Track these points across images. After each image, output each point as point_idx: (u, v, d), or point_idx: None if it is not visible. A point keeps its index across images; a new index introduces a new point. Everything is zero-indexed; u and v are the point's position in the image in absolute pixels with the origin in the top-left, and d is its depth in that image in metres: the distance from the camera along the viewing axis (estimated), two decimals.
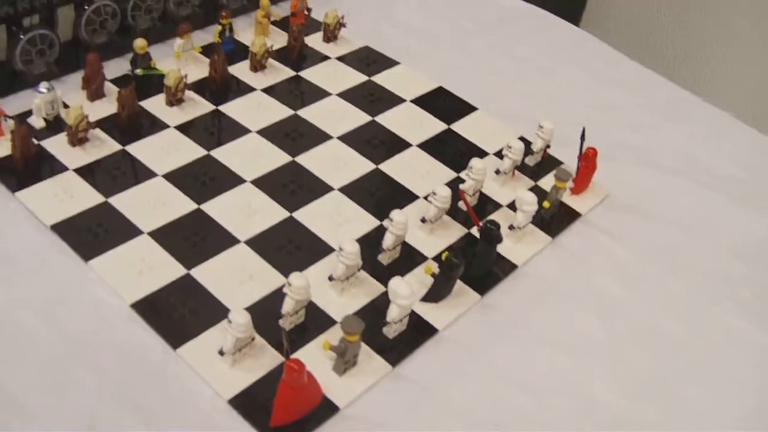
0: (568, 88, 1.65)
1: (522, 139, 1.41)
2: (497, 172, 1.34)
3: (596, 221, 1.34)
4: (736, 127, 1.64)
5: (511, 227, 1.25)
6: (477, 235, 1.20)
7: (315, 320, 1.08)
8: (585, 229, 1.32)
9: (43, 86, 1.29)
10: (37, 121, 1.30)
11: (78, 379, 0.97)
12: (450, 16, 1.83)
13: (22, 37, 1.34)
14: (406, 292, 1.04)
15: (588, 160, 1.35)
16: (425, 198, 1.29)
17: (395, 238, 1.16)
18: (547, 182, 1.37)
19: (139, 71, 1.41)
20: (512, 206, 1.30)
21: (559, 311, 1.18)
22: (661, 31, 2.31)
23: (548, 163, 1.41)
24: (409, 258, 1.19)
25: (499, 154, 1.39)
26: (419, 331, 1.10)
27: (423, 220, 1.23)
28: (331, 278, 1.11)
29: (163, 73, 1.39)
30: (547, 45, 1.79)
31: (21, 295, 1.06)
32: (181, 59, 1.47)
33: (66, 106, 1.33)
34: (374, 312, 1.09)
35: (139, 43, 1.40)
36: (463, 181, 1.30)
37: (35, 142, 1.26)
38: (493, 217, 1.27)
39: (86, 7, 1.41)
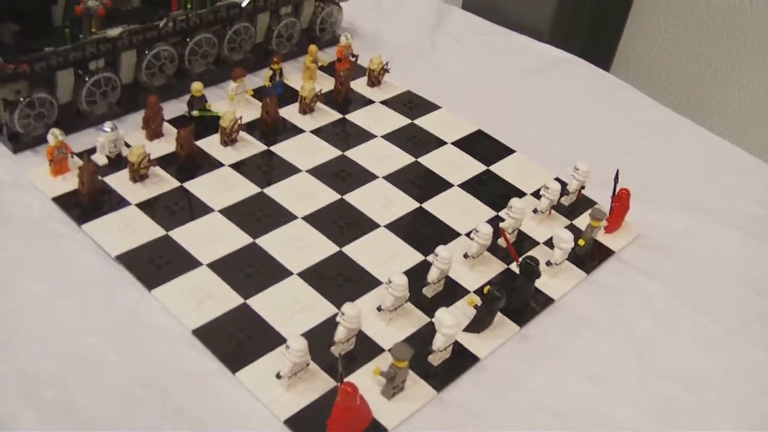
0: (600, 131, 1.71)
1: (557, 179, 1.48)
2: (535, 211, 1.41)
3: (629, 259, 1.39)
4: (763, 169, 1.69)
5: (548, 263, 1.31)
6: (516, 270, 1.26)
7: (364, 348, 1.14)
8: (618, 266, 1.38)
9: (107, 126, 1.37)
10: (100, 158, 1.38)
11: (144, 400, 1.04)
12: (488, 64, 1.90)
13: (87, 79, 1.42)
14: (451, 321, 1.11)
15: (621, 200, 1.41)
16: (466, 235, 1.35)
17: (440, 272, 1.22)
18: (581, 221, 1.43)
19: (195, 112, 1.48)
20: (548, 243, 1.36)
21: (593, 344, 1.23)
22: (687, 75, 2.37)
23: (582, 202, 1.47)
24: (451, 291, 1.25)
25: (536, 194, 1.46)
26: (462, 359, 1.16)
27: (465, 256, 1.29)
28: (379, 309, 1.17)
29: (218, 114, 1.46)
30: (580, 90, 1.85)
31: (91, 321, 1.13)
32: (234, 101, 1.55)
33: (127, 144, 1.41)
34: (419, 341, 1.15)
35: (196, 86, 1.48)
36: (502, 219, 1.37)
37: (99, 177, 1.34)
38: (530, 253, 1.33)
39: (147, 52, 1.49)
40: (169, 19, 1.49)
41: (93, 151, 1.40)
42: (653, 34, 2.36)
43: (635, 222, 1.44)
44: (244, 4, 1.59)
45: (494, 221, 1.38)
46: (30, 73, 1.34)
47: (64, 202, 1.30)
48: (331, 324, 1.14)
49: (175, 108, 1.52)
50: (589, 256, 1.38)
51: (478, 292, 1.25)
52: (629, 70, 2.40)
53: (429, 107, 1.66)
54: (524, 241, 1.37)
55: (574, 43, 2.21)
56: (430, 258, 1.26)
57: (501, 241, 1.33)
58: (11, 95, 1.33)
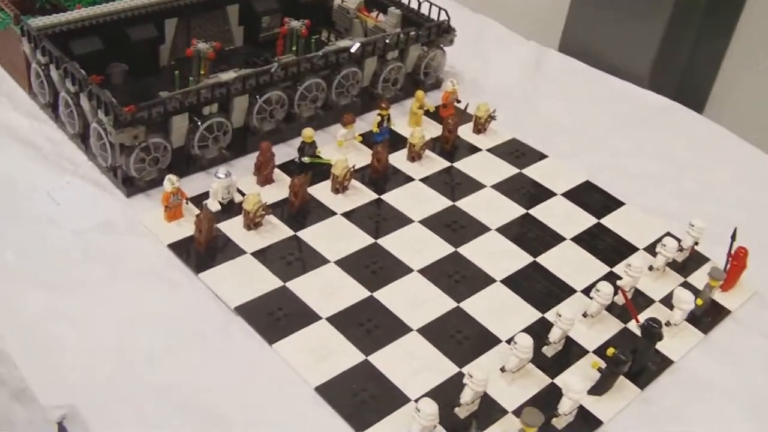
0: (708, 182, 1.68)
1: (671, 235, 1.45)
2: (650, 268, 1.38)
3: (746, 319, 1.36)
4: None
5: (667, 323, 1.28)
6: (634, 330, 1.24)
7: (487, 409, 1.12)
8: (735, 327, 1.35)
9: (221, 172, 1.37)
10: (213, 204, 1.38)
11: None
12: (590, 109, 1.88)
13: (200, 124, 1.43)
14: (579, 386, 1.09)
15: (739, 259, 1.38)
16: (582, 292, 1.33)
17: (562, 333, 1.20)
18: (695, 278, 1.40)
19: (306, 159, 1.48)
20: (664, 301, 1.34)
21: (715, 408, 1.20)
22: None
23: (695, 258, 1.44)
24: (571, 350, 1.23)
25: (649, 249, 1.43)
26: (585, 422, 1.13)
27: (585, 315, 1.27)
28: (503, 369, 1.15)
29: (329, 162, 1.46)
30: (685, 139, 1.82)
31: (211, 375, 1.12)
32: (343, 147, 1.54)
33: (240, 191, 1.41)
34: (542, 403, 1.13)
35: (308, 132, 1.48)
36: (617, 276, 1.34)
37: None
38: (646, 312, 1.31)
39: (258, 97, 1.49)
40: (280, 64, 1.49)
41: (204, 196, 1.40)
42: (749, 76, 2.32)
43: (749, 279, 1.40)
44: (353, 50, 1.59)
45: (609, 277, 1.36)
46: (147, 118, 1.34)
47: (179, 248, 1.30)
48: (452, 383, 1.13)
49: (283, 153, 1.52)
50: (705, 315, 1.34)
51: (598, 352, 1.23)
52: (723, 112, 2.36)
53: (535, 156, 1.65)
54: (638, 298, 1.35)
55: (668, 86, 2.18)
56: (550, 317, 1.24)
57: (618, 299, 1.31)
58: (129, 140, 1.33)
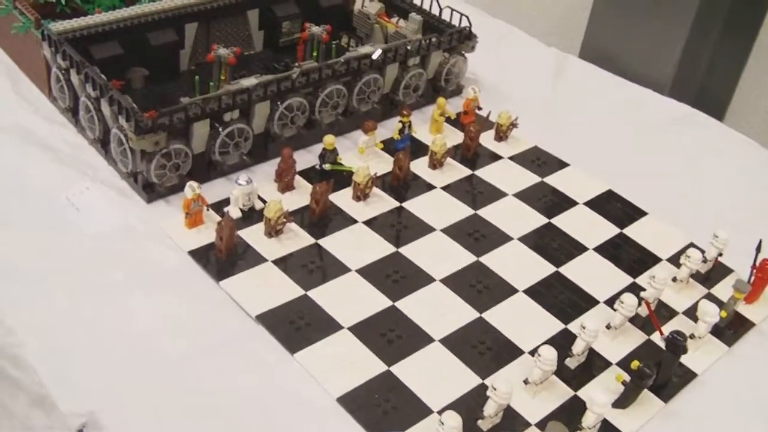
0: (731, 193, 1.67)
1: (694, 246, 1.44)
2: (674, 279, 1.37)
3: None
4: None
5: (691, 336, 1.27)
6: (657, 342, 1.23)
7: (510, 421, 1.11)
8: (760, 340, 1.33)
9: (242, 179, 1.37)
10: (233, 211, 1.38)
11: None
12: (611, 117, 1.86)
13: (221, 130, 1.42)
14: (604, 400, 1.07)
15: (764, 271, 1.36)
16: (605, 303, 1.32)
17: (585, 345, 1.19)
18: (719, 290, 1.39)
19: (327, 166, 1.47)
20: (687, 313, 1.33)
21: (740, 422, 1.19)
22: None
23: (718, 270, 1.43)
24: (594, 362, 1.22)
25: (672, 260, 1.42)
26: None
27: (608, 327, 1.26)
28: (526, 382, 1.14)
29: (350, 169, 1.45)
30: (707, 148, 1.80)
31: (232, 383, 1.12)
32: (364, 154, 1.54)
33: (261, 198, 1.40)
34: (566, 416, 1.12)
35: (329, 139, 1.47)
36: (640, 287, 1.33)
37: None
38: (669, 324, 1.30)
39: (279, 103, 1.48)
40: (302, 71, 1.48)
41: (225, 203, 1.40)
42: None
43: None
44: (375, 56, 1.58)
45: (632, 288, 1.35)
46: (169, 125, 1.34)
47: (200, 255, 1.30)
48: (475, 395, 1.13)
49: (304, 159, 1.52)
50: (728, 327, 1.33)
51: (621, 364, 1.22)
52: (743, 119, 2.34)
53: (557, 164, 1.64)
54: (661, 309, 1.33)
55: (689, 93, 2.17)
56: (573, 329, 1.23)
57: (641, 311, 1.29)
58: (150, 146, 1.33)
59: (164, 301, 1.23)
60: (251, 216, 1.38)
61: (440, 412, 1.07)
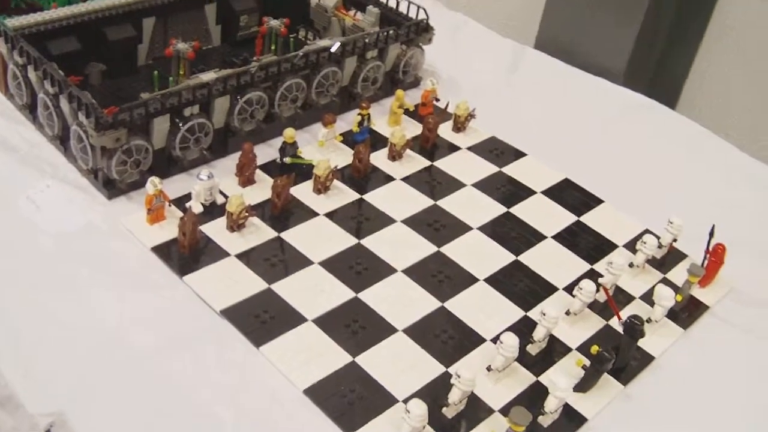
0: (685, 179, 1.70)
1: (649, 232, 1.47)
2: (630, 265, 1.40)
3: (724, 315, 1.38)
4: None
5: (648, 320, 1.29)
6: (616, 327, 1.26)
7: (474, 408, 1.13)
8: (714, 322, 1.37)
9: (203, 174, 1.37)
10: (195, 206, 1.38)
11: None
12: (567, 107, 1.89)
13: (181, 125, 1.42)
14: (565, 385, 1.10)
15: (717, 255, 1.40)
16: (564, 290, 1.34)
17: (546, 331, 1.22)
18: (674, 274, 1.43)
19: (287, 160, 1.48)
20: (644, 298, 1.36)
21: (698, 403, 1.22)
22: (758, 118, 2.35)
23: (673, 255, 1.46)
24: (554, 348, 1.24)
25: (628, 246, 1.45)
26: (570, 419, 1.15)
27: (567, 313, 1.28)
28: (489, 369, 1.16)
29: (311, 162, 1.46)
30: (662, 137, 1.83)
31: (199, 378, 1.12)
32: (323, 147, 1.55)
33: (222, 192, 1.41)
34: (528, 401, 1.14)
35: (289, 132, 1.47)
36: (598, 273, 1.36)
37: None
38: (627, 309, 1.33)
39: (239, 98, 1.49)
40: (261, 65, 1.49)
41: (186, 198, 1.40)
42: (722, 73, 2.34)
43: (725, 275, 1.42)
44: (334, 49, 1.59)
45: (590, 274, 1.38)
46: (129, 120, 1.34)
47: (163, 251, 1.30)
48: (439, 383, 1.15)
49: (264, 153, 1.52)
50: (683, 310, 1.36)
51: (581, 349, 1.24)
52: (695, 107, 2.37)
53: (514, 154, 1.66)
54: (618, 295, 1.36)
55: (642, 82, 2.20)
56: (533, 316, 1.26)
57: (600, 296, 1.32)
58: (111, 143, 1.32)
59: (129, 297, 1.23)
60: (213, 210, 1.39)
61: (406, 401, 1.09)
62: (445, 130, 1.68)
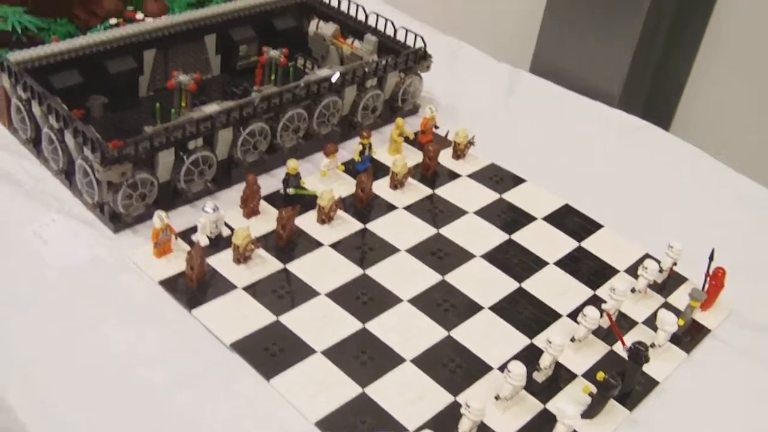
0: (684, 203, 1.72)
1: (650, 257, 1.48)
2: (633, 290, 1.41)
3: (726, 338, 1.40)
4: None
5: (652, 345, 1.31)
6: (620, 352, 1.28)
7: None
8: (717, 345, 1.38)
9: (209, 206, 1.38)
10: (201, 239, 1.39)
11: None
12: (565, 131, 1.91)
13: (186, 158, 1.43)
14: (573, 412, 1.12)
15: (717, 279, 1.41)
16: (568, 316, 1.36)
17: (552, 359, 1.23)
18: (675, 298, 1.44)
19: (290, 190, 1.49)
20: (647, 322, 1.38)
21: (702, 425, 1.24)
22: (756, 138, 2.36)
23: (673, 279, 1.48)
24: (560, 375, 1.26)
25: (630, 271, 1.47)
26: None
27: (572, 340, 1.30)
28: (497, 398, 1.18)
29: (314, 193, 1.47)
30: (660, 160, 1.85)
31: (210, 412, 1.13)
32: (326, 177, 1.56)
33: (228, 225, 1.42)
34: (536, 429, 1.16)
35: (292, 164, 1.49)
36: (601, 299, 1.38)
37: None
38: (630, 334, 1.34)
39: (242, 129, 1.50)
40: (263, 96, 1.50)
41: (192, 230, 1.41)
42: (716, 94, 2.36)
43: (725, 298, 1.44)
44: (334, 79, 1.60)
45: (592, 300, 1.40)
46: (134, 154, 1.35)
47: (170, 285, 1.31)
48: (448, 413, 1.16)
49: (267, 184, 1.53)
50: (685, 334, 1.38)
51: (587, 376, 1.26)
52: (689, 129, 2.40)
53: (514, 181, 1.67)
54: (620, 320, 1.37)
55: (637, 105, 2.23)
56: (539, 343, 1.27)
57: (603, 322, 1.34)
58: (117, 177, 1.34)
59: (137, 331, 1.24)
60: (218, 243, 1.40)
61: None
62: (445, 158, 1.69)
